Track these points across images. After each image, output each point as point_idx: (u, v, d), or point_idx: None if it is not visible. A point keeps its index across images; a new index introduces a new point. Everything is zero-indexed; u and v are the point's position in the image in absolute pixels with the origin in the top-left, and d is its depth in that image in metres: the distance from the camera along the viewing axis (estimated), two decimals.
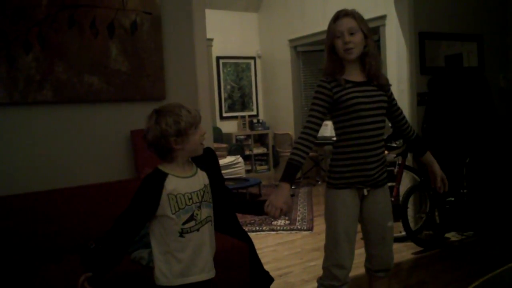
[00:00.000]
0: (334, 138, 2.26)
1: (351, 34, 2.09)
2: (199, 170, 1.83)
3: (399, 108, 2.37)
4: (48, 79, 2.87)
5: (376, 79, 2.16)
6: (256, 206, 2.09)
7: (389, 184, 2.45)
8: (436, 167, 2.37)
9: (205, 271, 1.79)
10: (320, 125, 2.13)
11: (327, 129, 6.48)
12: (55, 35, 2.88)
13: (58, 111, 2.95)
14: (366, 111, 2.12)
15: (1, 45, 2.72)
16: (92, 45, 3.00)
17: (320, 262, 2.32)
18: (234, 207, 2.41)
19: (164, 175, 1.73)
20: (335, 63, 2.16)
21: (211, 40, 7.99)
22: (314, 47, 7.71)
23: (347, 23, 2.09)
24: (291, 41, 8.06)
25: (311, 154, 5.99)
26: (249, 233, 3.02)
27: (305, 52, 8.04)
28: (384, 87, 2.19)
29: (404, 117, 2.38)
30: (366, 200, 2.24)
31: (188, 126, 1.72)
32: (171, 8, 3.35)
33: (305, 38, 7.67)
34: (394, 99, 2.32)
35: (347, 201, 2.19)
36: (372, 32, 2.26)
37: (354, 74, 2.17)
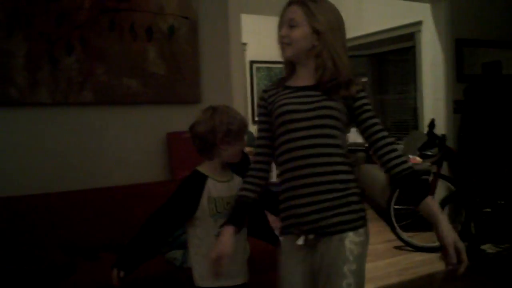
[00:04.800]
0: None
1: (291, 27, 1.64)
2: (235, 175, 1.85)
3: (374, 124, 1.61)
4: (88, 81, 2.95)
5: (328, 86, 1.59)
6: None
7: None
8: (444, 226, 1.53)
9: (240, 275, 1.81)
10: (270, 146, 1.69)
11: (359, 135, 6.41)
12: (96, 38, 2.96)
13: (98, 112, 3.02)
14: (297, 122, 1.56)
15: (45, 47, 2.81)
16: (131, 49, 3.07)
17: None
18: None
19: (204, 178, 1.76)
20: (286, 64, 1.72)
21: (245, 44, 8.03)
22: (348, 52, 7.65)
23: (290, 13, 1.66)
24: None
25: None
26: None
27: None
28: (333, 91, 1.58)
29: (382, 137, 1.59)
30: (316, 252, 1.60)
31: (238, 131, 1.76)
32: (207, 12, 3.38)
33: None
34: (367, 110, 1.62)
35: (285, 252, 1.66)
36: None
37: (304, 79, 1.66)
